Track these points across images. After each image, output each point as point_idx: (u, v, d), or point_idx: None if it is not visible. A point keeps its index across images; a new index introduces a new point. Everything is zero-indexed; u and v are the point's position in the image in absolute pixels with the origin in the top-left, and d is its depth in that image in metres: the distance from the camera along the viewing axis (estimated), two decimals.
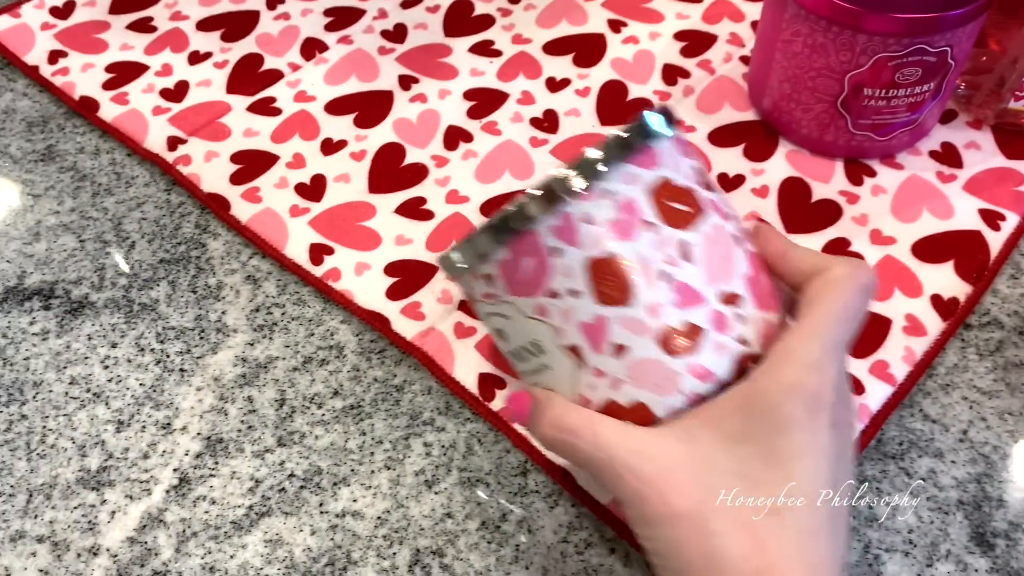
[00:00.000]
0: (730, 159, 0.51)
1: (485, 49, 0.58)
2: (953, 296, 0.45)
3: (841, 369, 0.30)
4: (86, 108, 0.55)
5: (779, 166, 0.51)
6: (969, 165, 0.50)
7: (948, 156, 0.51)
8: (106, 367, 0.45)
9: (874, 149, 0.50)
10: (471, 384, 0.42)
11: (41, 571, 0.38)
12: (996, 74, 0.51)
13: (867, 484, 0.39)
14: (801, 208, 0.49)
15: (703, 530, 0.28)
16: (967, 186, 0.49)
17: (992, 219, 0.48)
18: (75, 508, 0.40)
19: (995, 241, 0.47)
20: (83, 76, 0.57)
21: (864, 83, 0.46)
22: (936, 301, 0.45)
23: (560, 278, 0.29)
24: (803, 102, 0.49)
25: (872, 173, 0.50)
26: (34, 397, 0.43)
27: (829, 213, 0.48)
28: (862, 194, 0.49)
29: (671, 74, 0.56)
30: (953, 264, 0.46)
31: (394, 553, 0.38)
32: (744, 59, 0.57)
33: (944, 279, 0.45)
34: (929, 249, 0.46)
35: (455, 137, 0.53)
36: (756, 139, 0.52)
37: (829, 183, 0.50)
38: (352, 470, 0.41)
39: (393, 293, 0.46)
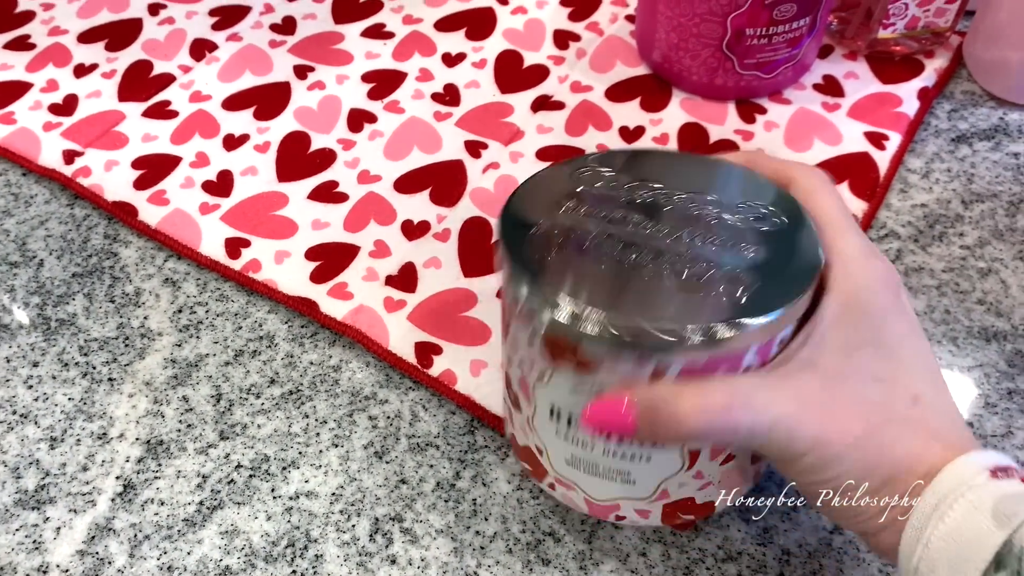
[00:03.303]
0: (628, 113, 0.53)
1: (377, 32, 0.58)
2: (852, 214, 0.47)
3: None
4: None
5: (675, 114, 0.53)
6: (850, 93, 0.53)
7: (830, 87, 0.54)
8: (30, 387, 0.43)
9: (762, 87, 0.52)
10: (408, 355, 0.43)
11: None
12: (864, 7, 0.54)
13: None
14: (701, 150, 0.51)
15: (880, 444, 0.28)
16: (851, 112, 0.52)
17: (877, 140, 0.50)
18: (17, 530, 0.39)
19: (882, 160, 0.49)
20: None
21: (745, 23, 0.48)
22: None
23: None
24: (691, 49, 0.51)
25: (763, 110, 0.52)
26: None
27: (728, 152, 0.50)
28: (756, 131, 0.51)
29: (562, 39, 0.58)
30: (848, 184, 0.48)
31: (353, 525, 0.38)
32: (629, 18, 0.59)
33: None
34: None
35: (359, 119, 0.53)
36: (650, 92, 0.54)
37: (724, 124, 0.52)
38: (300, 453, 0.41)
39: (317, 276, 0.46)
